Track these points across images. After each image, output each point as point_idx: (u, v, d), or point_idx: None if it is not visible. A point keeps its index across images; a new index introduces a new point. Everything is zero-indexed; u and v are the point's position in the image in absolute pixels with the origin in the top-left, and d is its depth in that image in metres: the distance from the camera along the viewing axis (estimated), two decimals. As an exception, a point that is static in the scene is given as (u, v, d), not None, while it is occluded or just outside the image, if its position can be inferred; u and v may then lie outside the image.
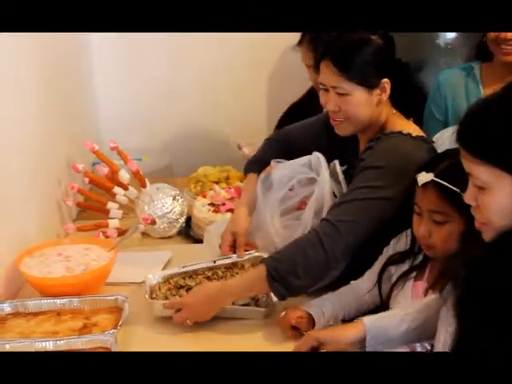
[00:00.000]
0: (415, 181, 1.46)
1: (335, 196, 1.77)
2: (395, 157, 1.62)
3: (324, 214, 1.71)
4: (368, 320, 1.41)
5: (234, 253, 1.81)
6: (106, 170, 2.20)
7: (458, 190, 1.37)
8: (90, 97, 2.80)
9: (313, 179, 1.80)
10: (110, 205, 2.17)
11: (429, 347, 1.45)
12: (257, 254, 1.79)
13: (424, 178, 1.44)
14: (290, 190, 1.83)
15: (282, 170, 1.84)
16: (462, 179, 1.26)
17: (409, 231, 1.54)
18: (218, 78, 2.87)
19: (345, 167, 1.81)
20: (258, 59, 2.84)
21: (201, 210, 2.20)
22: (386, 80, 1.65)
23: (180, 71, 2.87)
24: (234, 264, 1.79)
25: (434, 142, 1.74)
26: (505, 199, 1.10)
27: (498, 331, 0.85)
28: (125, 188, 2.18)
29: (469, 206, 1.19)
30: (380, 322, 1.40)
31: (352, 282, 1.66)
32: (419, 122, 1.96)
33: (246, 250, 1.81)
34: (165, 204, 2.16)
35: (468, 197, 1.16)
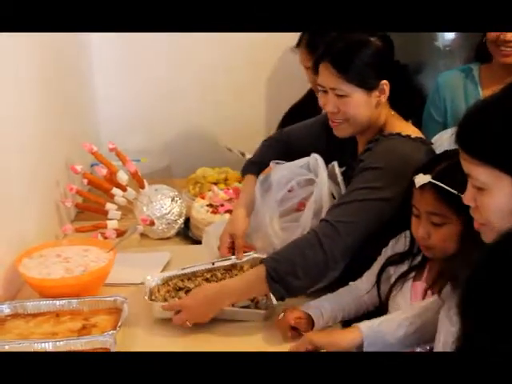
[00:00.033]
0: (413, 183, 1.46)
1: (334, 197, 1.77)
2: (394, 158, 1.62)
3: (323, 215, 1.71)
4: (365, 326, 1.41)
5: (233, 254, 1.80)
6: (104, 171, 2.20)
7: (455, 191, 1.37)
8: (90, 97, 2.80)
9: (311, 180, 1.80)
10: (109, 206, 2.17)
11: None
12: (256, 255, 1.78)
13: (421, 179, 1.44)
14: (289, 191, 1.83)
15: (281, 172, 1.84)
16: (460, 181, 1.27)
17: (407, 232, 1.55)
18: (218, 78, 2.87)
19: (343, 168, 1.81)
20: (258, 60, 2.84)
21: (199, 211, 2.20)
22: (385, 82, 1.66)
23: (179, 72, 2.87)
24: (233, 266, 1.79)
25: (432, 144, 1.74)
26: (504, 200, 1.11)
27: (499, 331, 0.85)
28: (123, 189, 2.17)
29: (467, 208, 1.20)
30: (377, 328, 1.41)
31: (351, 283, 1.66)
32: (418, 124, 1.97)
33: (245, 252, 1.81)
34: (163, 205, 2.16)
35: (467, 198, 1.16)
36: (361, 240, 1.60)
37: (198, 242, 2.10)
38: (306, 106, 1.94)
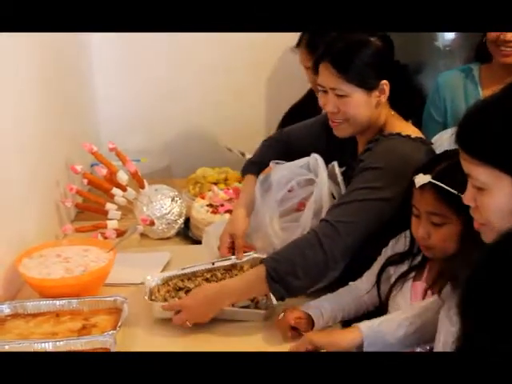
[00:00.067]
0: (413, 182, 1.46)
1: (334, 197, 1.77)
2: (394, 158, 1.62)
3: (323, 215, 1.71)
4: (365, 326, 1.41)
5: (233, 254, 1.80)
6: (104, 171, 2.20)
7: (455, 191, 1.37)
8: (89, 97, 2.80)
9: (311, 180, 1.80)
10: (109, 206, 2.17)
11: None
12: (256, 255, 1.78)
13: (421, 179, 1.44)
14: (289, 191, 1.83)
15: (281, 172, 1.84)
16: (460, 181, 1.27)
17: (407, 232, 1.55)
18: (218, 79, 2.87)
19: (343, 168, 1.81)
20: (258, 60, 2.84)
21: (199, 211, 2.20)
22: (385, 82, 1.65)
23: (179, 72, 2.87)
24: (233, 266, 1.79)
25: (432, 144, 1.74)
26: (504, 200, 1.11)
27: (499, 331, 0.85)
28: (123, 189, 2.17)
29: (466, 208, 1.20)
30: (377, 328, 1.41)
31: (351, 283, 1.66)
32: (418, 124, 1.96)
33: (245, 252, 1.80)
34: (163, 205, 2.16)
35: (467, 198, 1.16)
36: (361, 240, 1.60)
37: (198, 242, 2.10)
38: (306, 106, 1.94)
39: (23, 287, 1.79)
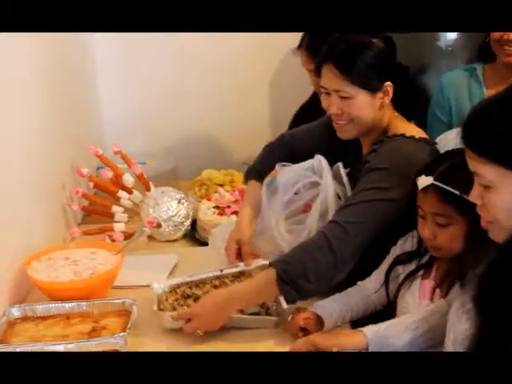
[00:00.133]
0: (416, 184, 1.46)
1: (339, 198, 1.77)
2: (399, 158, 1.63)
3: (329, 217, 1.71)
4: (369, 331, 1.41)
5: (241, 261, 1.78)
6: (110, 174, 2.21)
7: (458, 191, 1.37)
8: (94, 100, 2.81)
9: (317, 183, 1.80)
10: (115, 208, 2.17)
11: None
12: (264, 262, 1.72)
13: (424, 181, 1.44)
14: (296, 193, 1.83)
15: (287, 174, 1.84)
16: (463, 180, 1.28)
17: (415, 232, 1.55)
18: (222, 80, 2.87)
19: (348, 169, 1.82)
20: (263, 61, 2.84)
21: (206, 212, 2.21)
22: (388, 83, 1.66)
23: (184, 74, 2.87)
24: (242, 273, 1.75)
25: (436, 144, 1.75)
26: (510, 197, 1.11)
27: (511, 332, 0.86)
28: (129, 192, 2.18)
29: (471, 207, 1.20)
30: (382, 333, 1.41)
31: (359, 282, 1.66)
32: (423, 125, 1.97)
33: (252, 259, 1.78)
34: (170, 207, 2.17)
35: (473, 196, 1.17)
36: (369, 240, 1.60)
37: (204, 243, 2.11)
38: (315, 107, 1.92)
39: (32, 290, 1.80)
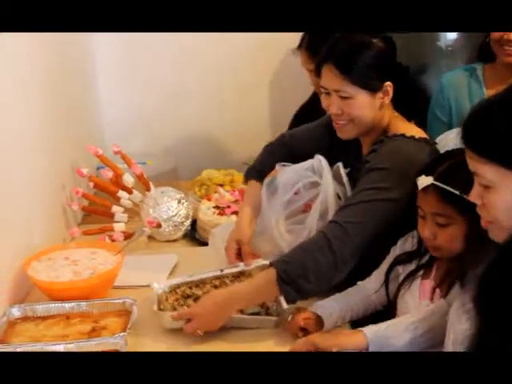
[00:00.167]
0: (416, 184, 1.46)
1: (339, 198, 1.77)
2: (399, 158, 1.63)
3: (329, 217, 1.71)
4: (369, 331, 1.41)
5: (241, 261, 1.77)
6: (110, 174, 2.21)
7: (458, 191, 1.37)
8: (94, 100, 2.81)
9: (316, 183, 1.80)
10: (115, 208, 2.17)
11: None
12: (264, 262, 1.72)
13: (424, 181, 1.44)
14: (296, 193, 1.83)
15: (287, 174, 1.84)
16: (462, 180, 1.28)
17: (415, 232, 1.55)
18: (222, 80, 2.87)
19: (348, 169, 1.82)
20: (263, 61, 2.85)
21: (206, 212, 2.21)
22: (388, 83, 1.66)
23: (184, 74, 2.87)
24: (242, 273, 1.74)
25: (436, 144, 1.75)
26: (510, 197, 1.11)
27: (511, 332, 0.86)
28: (129, 192, 2.18)
29: (471, 207, 1.20)
30: (382, 333, 1.41)
31: (359, 282, 1.66)
32: (423, 125, 1.97)
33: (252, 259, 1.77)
34: (170, 207, 2.17)
35: (473, 196, 1.17)
36: (369, 240, 1.60)
37: (204, 243, 2.11)
38: (316, 106, 1.92)
39: (32, 290, 1.80)
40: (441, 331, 1.35)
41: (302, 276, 1.56)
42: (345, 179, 1.78)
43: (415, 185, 1.47)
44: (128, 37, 2.52)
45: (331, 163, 1.80)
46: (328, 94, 1.70)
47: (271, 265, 1.62)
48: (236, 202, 2.24)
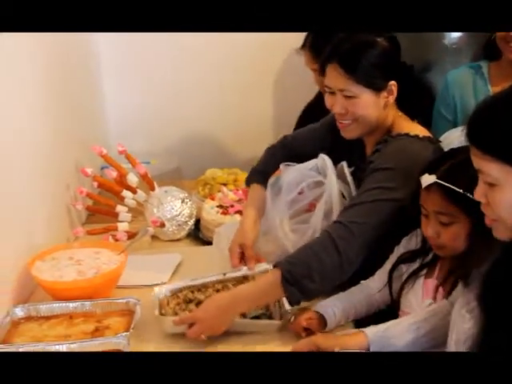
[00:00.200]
0: (420, 183, 1.46)
1: (344, 197, 1.77)
2: (404, 158, 1.62)
3: (334, 216, 1.71)
4: (371, 331, 1.41)
5: (244, 265, 1.75)
6: (114, 173, 2.21)
7: (461, 190, 1.37)
8: (98, 100, 2.82)
9: (321, 182, 1.79)
10: (119, 208, 2.18)
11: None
12: (268, 266, 1.70)
13: (427, 180, 1.44)
14: (300, 193, 1.82)
15: (291, 174, 1.83)
16: (466, 179, 1.27)
17: (419, 231, 1.54)
18: (225, 80, 2.87)
19: (352, 168, 1.81)
20: (266, 60, 2.84)
21: (209, 212, 2.20)
22: (393, 82, 1.66)
23: (187, 74, 2.87)
24: (245, 277, 1.71)
25: (440, 142, 1.74)
26: None
27: None
28: (133, 191, 2.18)
29: (474, 206, 1.20)
30: (383, 333, 1.40)
31: (362, 281, 1.66)
32: (428, 123, 1.96)
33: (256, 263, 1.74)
34: (174, 207, 2.17)
35: (478, 194, 1.16)
36: (374, 240, 1.59)
37: (208, 243, 2.11)
38: (323, 105, 1.90)
39: (36, 290, 1.80)
40: (443, 331, 1.35)
41: (306, 276, 1.55)
42: (349, 178, 1.78)
43: (419, 183, 1.46)
44: (132, 37, 2.52)
45: (335, 163, 1.80)
46: (332, 93, 1.69)
47: (275, 266, 1.60)
48: (239, 201, 2.24)
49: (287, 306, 1.57)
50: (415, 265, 1.55)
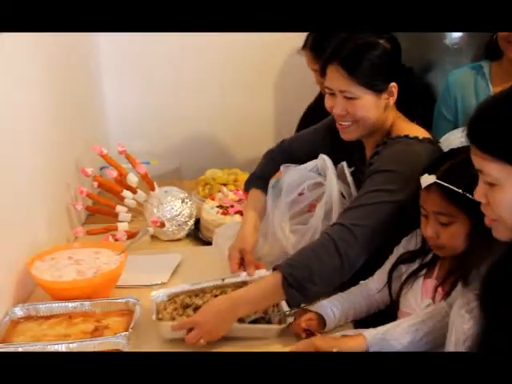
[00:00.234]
0: (420, 183, 1.45)
1: (344, 197, 1.76)
2: (404, 160, 1.61)
3: (334, 215, 1.70)
4: (369, 334, 1.41)
5: (244, 271, 1.73)
6: (114, 173, 2.21)
7: (461, 190, 1.37)
8: (99, 100, 2.82)
9: (321, 184, 1.79)
10: (119, 208, 2.17)
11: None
12: (267, 273, 1.67)
13: (427, 180, 1.43)
14: (300, 194, 1.82)
15: (291, 175, 1.83)
16: (465, 179, 1.27)
17: (419, 231, 1.54)
18: (226, 80, 2.88)
19: (352, 168, 1.81)
20: (268, 61, 2.84)
21: (209, 212, 2.20)
22: (393, 84, 1.65)
23: (188, 74, 2.87)
24: (244, 283, 1.68)
25: (439, 143, 1.73)
26: None
27: None
28: (133, 191, 2.18)
29: (473, 206, 1.20)
30: (382, 336, 1.40)
31: (361, 281, 1.65)
32: (429, 123, 1.95)
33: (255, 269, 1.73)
34: (173, 207, 2.16)
35: (478, 194, 1.16)
36: (374, 243, 1.58)
37: (208, 243, 2.11)
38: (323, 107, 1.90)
39: (35, 290, 1.80)
40: (442, 333, 1.35)
41: (307, 279, 1.53)
42: (349, 178, 1.78)
43: (419, 184, 1.46)
44: (132, 37, 2.52)
45: (334, 164, 1.79)
46: (332, 94, 1.68)
47: (276, 268, 1.58)
48: (239, 201, 2.24)
49: (285, 308, 1.57)
50: (415, 265, 1.55)
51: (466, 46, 2.34)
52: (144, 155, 2.50)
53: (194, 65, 2.87)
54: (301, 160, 1.85)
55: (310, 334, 1.55)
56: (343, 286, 1.65)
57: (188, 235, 2.21)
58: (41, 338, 1.54)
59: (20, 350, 1.46)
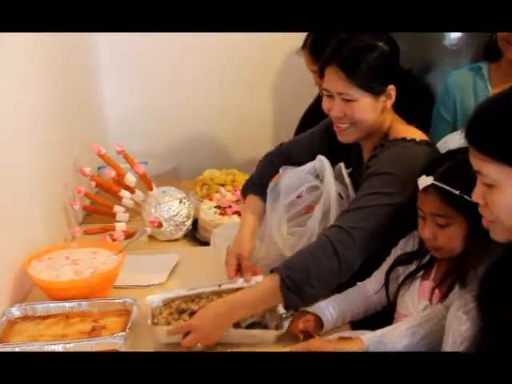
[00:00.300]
0: (417, 185, 1.45)
1: (341, 198, 1.76)
2: (401, 163, 1.61)
3: (331, 216, 1.70)
4: (367, 338, 1.41)
5: (241, 277, 1.71)
6: (112, 173, 2.21)
7: (458, 191, 1.37)
8: (97, 100, 2.81)
9: (318, 187, 1.78)
10: (117, 208, 2.17)
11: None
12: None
13: (424, 181, 1.43)
14: (298, 197, 1.81)
15: (289, 178, 1.82)
16: (463, 180, 1.27)
17: (416, 232, 1.54)
18: (225, 80, 2.87)
19: (350, 169, 1.80)
20: (265, 60, 2.84)
21: (207, 212, 2.20)
22: (391, 87, 1.65)
23: (186, 74, 2.87)
24: (241, 289, 1.64)
25: (435, 144, 1.73)
26: None
27: None
28: (131, 191, 2.18)
29: (471, 207, 1.19)
30: (379, 339, 1.40)
31: (359, 283, 1.65)
32: (427, 125, 1.95)
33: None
34: (171, 207, 2.16)
35: (476, 195, 1.16)
36: (372, 245, 1.58)
37: (205, 243, 2.11)
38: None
39: (33, 290, 1.79)
40: (438, 336, 1.35)
41: (305, 282, 1.53)
42: (347, 179, 1.77)
43: (416, 185, 1.46)
44: (132, 37, 2.52)
45: (332, 165, 1.79)
46: (330, 96, 1.67)
47: (273, 271, 1.57)
48: (237, 201, 2.24)
49: (281, 310, 1.56)
50: (412, 266, 1.55)
51: (465, 47, 2.34)
52: (142, 155, 2.49)
53: (194, 65, 2.87)
54: (299, 163, 1.85)
55: (307, 335, 1.55)
56: (340, 287, 1.64)
57: (186, 235, 2.20)
58: (38, 338, 1.54)
59: (17, 350, 1.46)
